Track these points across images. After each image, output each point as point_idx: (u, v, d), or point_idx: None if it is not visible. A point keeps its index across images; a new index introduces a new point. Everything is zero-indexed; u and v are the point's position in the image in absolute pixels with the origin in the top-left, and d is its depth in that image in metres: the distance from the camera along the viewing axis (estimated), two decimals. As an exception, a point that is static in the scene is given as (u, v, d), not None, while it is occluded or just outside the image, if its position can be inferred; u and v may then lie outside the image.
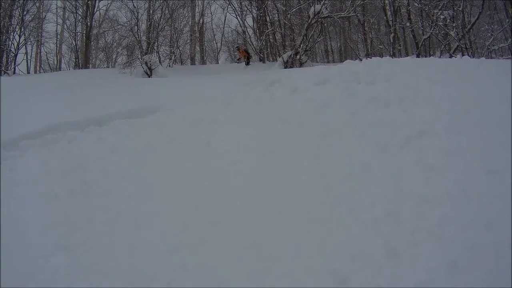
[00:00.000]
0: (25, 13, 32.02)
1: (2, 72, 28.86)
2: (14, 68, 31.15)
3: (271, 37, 36.10)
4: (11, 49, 31.12)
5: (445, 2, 25.37)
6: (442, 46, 26.61)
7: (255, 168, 5.87)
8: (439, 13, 25.17)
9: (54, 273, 3.81)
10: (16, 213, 4.96)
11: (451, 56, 22.77)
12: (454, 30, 24.86)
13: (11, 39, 31.14)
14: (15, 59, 31.62)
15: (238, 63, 32.80)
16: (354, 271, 3.49)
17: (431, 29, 26.67)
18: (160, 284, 3.62)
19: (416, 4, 28.74)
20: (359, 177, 5.15)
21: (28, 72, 35.85)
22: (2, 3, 29.17)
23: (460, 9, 24.43)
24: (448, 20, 25.08)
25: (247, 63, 31.45)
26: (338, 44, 46.24)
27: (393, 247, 3.74)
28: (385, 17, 32.93)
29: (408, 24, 30.46)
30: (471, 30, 25.36)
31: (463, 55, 19.70)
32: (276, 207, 4.75)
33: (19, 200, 5.33)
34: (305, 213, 4.54)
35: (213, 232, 4.38)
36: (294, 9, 31.90)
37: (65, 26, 39.70)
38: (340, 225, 4.22)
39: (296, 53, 27.52)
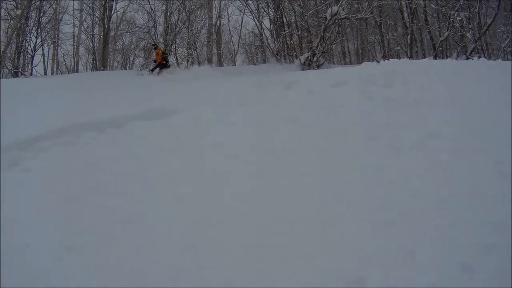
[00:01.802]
0: (41, 14, 32.21)
1: (19, 74, 29.06)
2: (31, 70, 31.32)
3: (288, 39, 36.06)
4: (28, 50, 31.31)
5: (461, 3, 25.27)
6: (459, 48, 26.52)
7: (267, 169, 5.88)
8: (455, 15, 25.08)
9: (66, 273, 3.80)
10: (28, 214, 4.97)
11: (467, 58, 22.71)
12: (470, 32, 24.79)
13: (27, 40, 31.34)
14: (32, 61, 31.83)
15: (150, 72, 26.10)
16: (368, 272, 3.49)
17: (448, 30, 26.57)
18: (171, 284, 3.61)
19: (432, 6, 28.65)
20: (372, 178, 5.15)
21: (45, 74, 36.04)
22: (19, 5, 29.37)
23: (476, 10, 24.33)
24: (464, 22, 25.00)
25: (156, 69, 25.59)
26: (355, 46, 46.12)
27: (406, 248, 3.74)
28: (402, 19, 32.87)
29: (425, 25, 30.36)
30: (487, 31, 25.24)
31: (479, 57, 19.63)
32: (288, 208, 4.75)
33: (31, 201, 5.33)
34: (317, 214, 4.54)
35: (224, 232, 4.37)
36: (311, 11, 31.85)
37: (82, 28, 39.90)
38: (352, 226, 4.22)
39: (313, 55, 27.48)
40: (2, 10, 32.55)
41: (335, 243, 3.96)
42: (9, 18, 32.20)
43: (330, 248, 3.89)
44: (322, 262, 3.70)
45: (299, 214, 4.59)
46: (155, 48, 26.66)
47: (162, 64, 25.90)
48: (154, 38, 26.85)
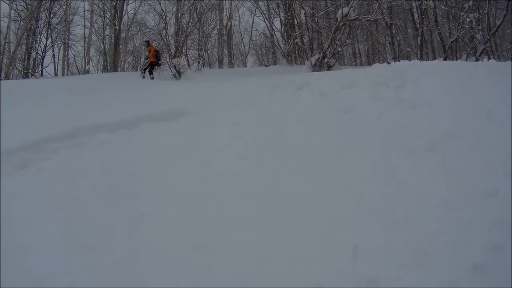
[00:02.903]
0: (51, 15, 32.25)
1: (30, 74, 29.10)
2: (42, 71, 31.36)
3: (298, 40, 36.02)
4: (38, 51, 31.37)
5: (471, 4, 25.20)
6: (468, 49, 26.45)
7: (278, 170, 5.90)
8: (465, 16, 25.01)
9: (78, 273, 3.82)
10: (41, 214, 4.98)
11: (477, 59, 22.64)
12: (479, 33, 24.71)
13: (38, 41, 31.39)
14: (42, 62, 31.83)
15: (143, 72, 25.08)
16: (381, 272, 3.50)
17: (457, 31, 26.49)
18: (183, 284, 3.62)
19: (442, 7, 28.57)
20: (383, 179, 5.16)
21: (56, 75, 36.08)
22: (29, 6, 29.44)
23: (486, 11, 24.25)
24: (474, 23, 24.93)
25: (150, 71, 24.61)
26: (366, 47, 45.99)
27: (418, 248, 3.75)
28: (412, 20, 32.78)
29: (435, 26, 30.27)
30: (496, 33, 25.15)
31: (489, 58, 19.59)
32: (299, 208, 4.76)
33: (44, 201, 5.36)
34: (329, 214, 4.55)
35: (235, 232, 4.36)
36: (322, 12, 31.79)
37: (93, 29, 39.94)
38: (364, 226, 4.23)
39: (324, 56, 27.42)
40: (12, 10, 32.78)
41: (348, 243, 3.97)
42: (19, 19, 32.35)
43: (343, 248, 3.90)
44: (335, 262, 3.71)
45: (310, 214, 4.60)
46: (148, 45, 26.14)
47: (155, 63, 25.09)
48: (165, 39, 26.80)
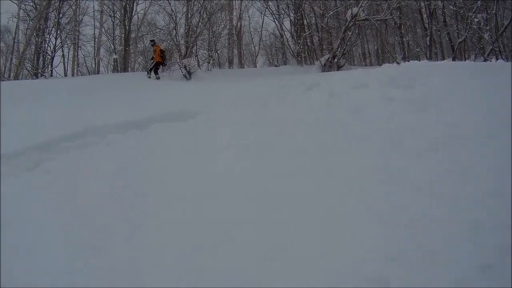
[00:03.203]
0: (61, 15, 32.33)
1: (39, 75, 29.19)
2: (51, 71, 31.43)
3: (308, 40, 36.00)
4: (48, 51, 31.44)
5: (479, 5, 25.14)
6: (477, 50, 26.38)
7: (288, 170, 5.91)
8: (473, 16, 24.95)
9: (91, 273, 3.83)
10: (52, 215, 5.01)
11: (485, 60, 22.59)
12: (487, 33, 24.64)
13: (47, 41, 31.47)
14: (52, 62, 31.88)
15: (148, 72, 25.04)
16: (391, 272, 3.50)
17: (465, 32, 26.43)
18: (193, 284, 3.63)
19: (451, 7, 28.51)
20: (393, 180, 5.15)
21: (66, 75, 36.18)
22: (38, 6, 29.52)
23: (493, 12, 24.16)
24: (482, 23, 24.87)
25: (155, 71, 24.60)
26: (375, 47, 45.94)
27: (428, 249, 3.75)
28: (421, 20, 32.75)
29: (443, 27, 30.22)
30: (504, 33, 25.06)
31: (497, 58, 19.54)
32: (309, 208, 4.76)
33: (54, 201, 5.37)
34: (339, 214, 4.56)
35: (245, 232, 4.38)
36: (331, 12, 31.77)
37: (103, 30, 40.03)
38: (372, 227, 4.23)
39: (334, 57, 27.41)
40: (21, 10, 32.88)
41: (358, 243, 3.98)
42: (28, 19, 32.45)
43: (353, 248, 3.91)
44: (345, 262, 3.72)
45: (321, 214, 4.61)
46: (153, 45, 26.01)
47: (160, 62, 25.08)
48: (175, 40, 26.84)
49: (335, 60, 27.39)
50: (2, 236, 4.49)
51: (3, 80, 28.63)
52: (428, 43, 30.53)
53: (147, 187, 5.75)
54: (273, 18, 40.16)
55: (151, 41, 27.57)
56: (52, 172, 6.64)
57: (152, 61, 25.39)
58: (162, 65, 25.30)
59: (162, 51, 25.15)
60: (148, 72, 24.86)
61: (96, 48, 40.57)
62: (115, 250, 4.24)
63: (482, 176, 4.85)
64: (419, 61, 14.32)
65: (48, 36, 31.48)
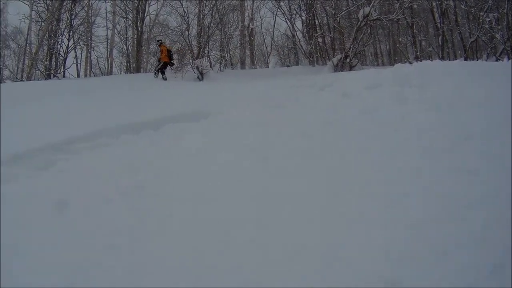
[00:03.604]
0: (73, 17, 32.45)
1: (52, 75, 29.32)
2: (64, 72, 31.57)
3: (320, 40, 35.99)
4: (60, 52, 31.56)
5: (490, 4, 25.07)
6: (489, 49, 26.31)
7: (300, 170, 5.93)
8: (484, 16, 24.89)
9: (104, 273, 3.82)
10: (66, 214, 5.01)
11: (497, 59, 22.55)
12: (499, 33, 24.57)
13: (59, 42, 31.59)
14: (65, 63, 32.01)
15: (156, 73, 25.14)
16: (403, 273, 3.50)
17: (477, 31, 26.36)
18: (211, 284, 3.63)
19: (462, 7, 28.45)
20: (406, 180, 5.16)
21: (78, 76, 36.33)
22: (50, 7, 29.64)
23: (505, 11, 24.09)
24: (493, 23, 24.80)
25: (162, 72, 24.57)
26: (388, 47, 45.85)
27: (439, 249, 3.74)
28: (433, 19, 32.69)
29: (455, 26, 30.16)
30: (515, 32, 25.01)
31: (509, 58, 19.51)
32: (322, 208, 4.76)
33: (68, 201, 5.37)
34: (350, 215, 4.56)
35: (259, 232, 4.38)
36: (343, 12, 31.77)
37: (116, 31, 40.17)
38: (385, 227, 4.23)
39: (346, 57, 27.39)
40: (33, 12, 33.06)
41: (370, 243, 3.98)
42: (40, 20, 32.60)
43: (365, 248, 3.92)
44: (357, 262, 3.73)
45: (333, 215, 4.61)
46: (160, 45, 25.97)
47: (167, 63, 25.00)
48: (187, 40, 26.88)
49: (348, 60, 27.36)
50: (14, 236, 4.51)
51: (16, 81, 28.83)
52: (440, 43, 30.47)
53: (161, 187, 5.76)
54: (285, 19, 40.27)
55: (157, 41, 27.80)
56: (66, 172, 6.64)
57: (159, 62, 25.33)
58: (170, 65, 25.30)
59: (169, 51, 25.16)
60: (155, 73, 24.99)
61: (108, 49, 40.74)
62: (130, 249, 4.24)
63: (494, 176, 4.85)
64: (432, 61, 14.30)
65: (60, 37, 31.59)
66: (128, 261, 4.03)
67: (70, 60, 34.38)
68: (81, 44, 37.33)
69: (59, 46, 31.44)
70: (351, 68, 26.83)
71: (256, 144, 7.13)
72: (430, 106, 7.49)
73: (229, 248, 4.17)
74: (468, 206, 4.36)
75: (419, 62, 13.77)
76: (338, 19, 31.45)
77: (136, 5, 35.43)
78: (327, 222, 4.49)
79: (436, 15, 31.93)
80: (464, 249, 3.72)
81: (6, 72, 46.26)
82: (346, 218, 4.52)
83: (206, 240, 4.32)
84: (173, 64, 25.13)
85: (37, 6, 32.56)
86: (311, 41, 34.69)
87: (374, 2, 26.61)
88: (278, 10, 41.04)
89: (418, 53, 32.19)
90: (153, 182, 5.95)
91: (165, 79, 23.96)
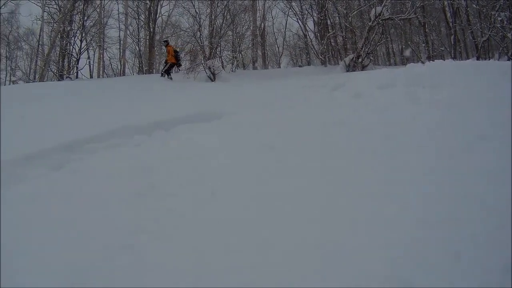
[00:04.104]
0: (85, 18, 32.59)
1: (65, 76, 29.46)
2: (77, 73, 31.72)
3: (332, 40, 35.97)
4: (73, 53, 31.70)
5: (502, 3, 24.97)
6: (500, 49, 26.20)
7: (314, 172, 5.90)
8: (496, 15, 24.79)
9: (119, 272, 3.82)
10: (81, 214, 5.02)
11: (509, 59, 22.49)
12: (511, 32, 24.47)
13: (72, 44, 31.73)
14: (77, 64, 32.17)
15: (162, 74, 24.98)
16: (416, 274, 3.49)
17: (489, 31, 26.26)
18: (226, 284, 3.63)
19: (474, 6, 28.35)
20: (418, 181, 5.15)
21: (91, 77, 36.49)
22: (62, 9, 29.77)
23: (517, 10, 24.03)
24: (505, 22, 24.72)
25: (168, 72, 24.59)
26: (400, 47, 45.76)
27: (452, 250, 3.73)
28: (445, 19, 32.60)
29: (467, 25, 30.07)
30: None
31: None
32: (335, 209, 4.75)
33: (81, 200, 5.37)
34: (366, 216, 4.55)
35: (273, 232, 4.38)
36: (355, 12, 31.73)
37: (128, 32, 40.32)
38: (399, 227, 4.21)
39: (358, 56, 27.34)
40: (45, 13, 33.25)
41: (382, 243, 3.97)
42: (52, 21, 32.77)
43: (377, 248, 3.91)
44: (369, 263, 3.72)
45: (345, 215, 4.61)
46: (166, 45, 25.81)
47: (174, 64, 25.00)
48: (199, 41, 26.91)
49: (360, 60, 27.31)
50: (28, 235, 4.54)
51: (28, 82, 28.98)
52: (452, 42, 30.38)
53: (174, 187, 5.77)
54: (297, 19, 40.27)
55: (164, 41, 27.89)
56: (79, 172, 6.66)
57: (166, 64, 25.24)
58: (177, 66, 25.40)
59: (176, 52, 25.11)
60: (161, 75, 24.97)
61: (121, 50, 40.88)
62: (144, 249, 4.25)
63: (508, 176, 4.83)
64: (444, 60, 14.27)
65: (73, 38, 31.74)
66: (143, 260, 4.03)
67: (83, 61, 34.58)
68: (93, 45, 37.53)
69: (71, 47, 31.59)
70: (363, 68, 26.78)
71: (269, 144, 7.13)
72: (443, 106, 7.48)
73: (244, 248, 4.16)
74: (482, 207, 4.34)
75: (431, 61, 13.74)
76: (350, 18, 31.43)
77: (148, 6, 35.57)
78: (335, 224, 4.48)
79: (448, 14, 31.85)
80: (478, 250, 3.71)
81: (18, 73, 46.77)
82: (358, 218, 4.51)
83: (220, 240, 4.32)
84: (180, 65, 25.11)
85: (49, 8, 32.75)
86: (323, 41, 34.65)
87: (386, 2, 26.53)
88: (290, 10, 41.15)
89: (430, 53, 32.12)
90: (166, 182, 5.97)
91: (171, 78, 24.04)
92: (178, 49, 26.22)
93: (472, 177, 5.03)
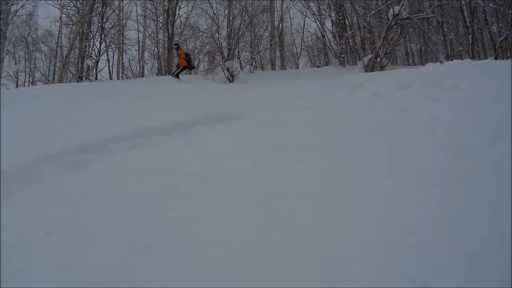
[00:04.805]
0: (104, 20, 32.78)
1: (84, 78, 29.65)
2: (96, 74, 31.91)
3: (350, 40, 35.92)
4: (92, 55, 31.89)
5: (518, 1, 24.84)
6: (518, 48, 26.06)
7: (328, 172, 5.96)
8: (512, 14, 24.66)
9: (137, 272, 3.83)
10: (99, 214, 5.03)
11: (527, 58, 22.34)
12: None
13: (91, 45, 31.92)
14: (97, 65, 32.38)
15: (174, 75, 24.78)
16: (431, 276, 3.48)
17: (506, 30, 26.10)
18: (241, 284, 3.64)
19: (491, 5, 28.19)
20: (432, 182, 5.15)
21: (111, 78, 36.69)
22: (80, 11, 29.99)
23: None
24: (522, 21, 24.57)
25: (177, 74, 24.60)
26: (418, 46, 45.55)
27: (467, 252, 3.72)
28: (462, 18, 32.44)
29: (485, 25, 29.91)
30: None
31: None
32: (347, 210, 4.78)
33: (101, 200, 5.41)
34: (377, 217, 4.56)
35: (289, 233, 4.39)
36: (373, 11, 31.64)
37: (147, 34, 40.48)
38: (413, 228, 4.21)
39: (377, 56, 27.25)
40: (63, 15, 33.49)
41: (396, 245, 3.97)
42: (70, 23, 33.03)
43: (391, 250, 3.92)
44: (384, 264, 3.72)
45: (356, 217, 4.61)
46: (177, 49, 25.56)
47: (186, 67, 24.95)
48: (218, 42, 26.94)
49: (378, 60, 27.22)
50: (47, 235, 4.58)
51: (47, 83, 29.19)
52: (470, 42, 30.23)
53: (194, 187, 5.80)
54: (315, 19, 40.25)
55: (174, 44, 27.47)
56: (99, 172, 6.69)
57: (177, 67, 25.10)
58: (188, 69, 25.68)
59: (187, 55, 24.98)
60: (173, 75, 24.91)
61: (140, 52, 41.06)
62: (164, 249, 4.27)
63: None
64: (462, 60, 14.23)
65: (92, 40, 31.95)
66: (164, 261, 4.05)
67: (102, 63, 34.80)
68: (113, 47, 37.74)
69: (91, 49, 31.80)
70: (382, 68, 26.70)
71: (286, 146, 7.17)
72: (461, 106, 7.48)
73: (256, 251, 4.17)
74: (499, 208, 4.34)
75: (450, 61, 13.71)
76: (368, 18, 31.35)
77: (166, 8, 35.71)
78: (346, 224, 4.48)
79: (466, 14, 31.69)
80: (493, 252, 3.70)
81: (37, 74, 47.16)
82: (368, 220, 4.51)
83: (238, 241, 4.34)
84: (193, 67, 25.07)
85: (67, 10, 33.01)
86: (341, 41, 34.62)
87: (403, 1, 26.44)
88: (308, 10, 41.15)
89: (448, 52, 31.98)
90: (186, 182, 6.00)
91: (179, 78, 24.17)
92: (189, 52, 26.10)
93: (486, 177, 5.03)
